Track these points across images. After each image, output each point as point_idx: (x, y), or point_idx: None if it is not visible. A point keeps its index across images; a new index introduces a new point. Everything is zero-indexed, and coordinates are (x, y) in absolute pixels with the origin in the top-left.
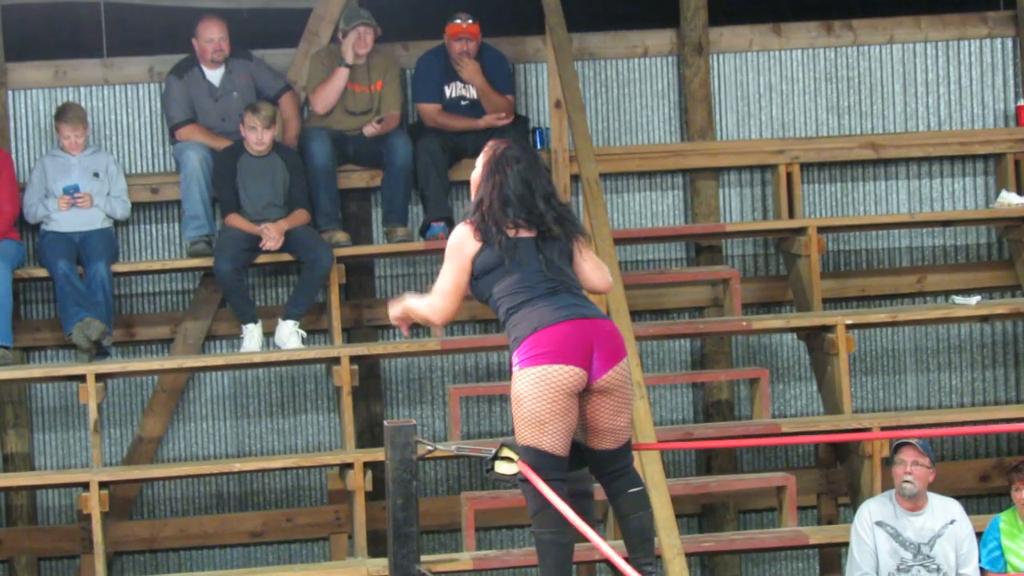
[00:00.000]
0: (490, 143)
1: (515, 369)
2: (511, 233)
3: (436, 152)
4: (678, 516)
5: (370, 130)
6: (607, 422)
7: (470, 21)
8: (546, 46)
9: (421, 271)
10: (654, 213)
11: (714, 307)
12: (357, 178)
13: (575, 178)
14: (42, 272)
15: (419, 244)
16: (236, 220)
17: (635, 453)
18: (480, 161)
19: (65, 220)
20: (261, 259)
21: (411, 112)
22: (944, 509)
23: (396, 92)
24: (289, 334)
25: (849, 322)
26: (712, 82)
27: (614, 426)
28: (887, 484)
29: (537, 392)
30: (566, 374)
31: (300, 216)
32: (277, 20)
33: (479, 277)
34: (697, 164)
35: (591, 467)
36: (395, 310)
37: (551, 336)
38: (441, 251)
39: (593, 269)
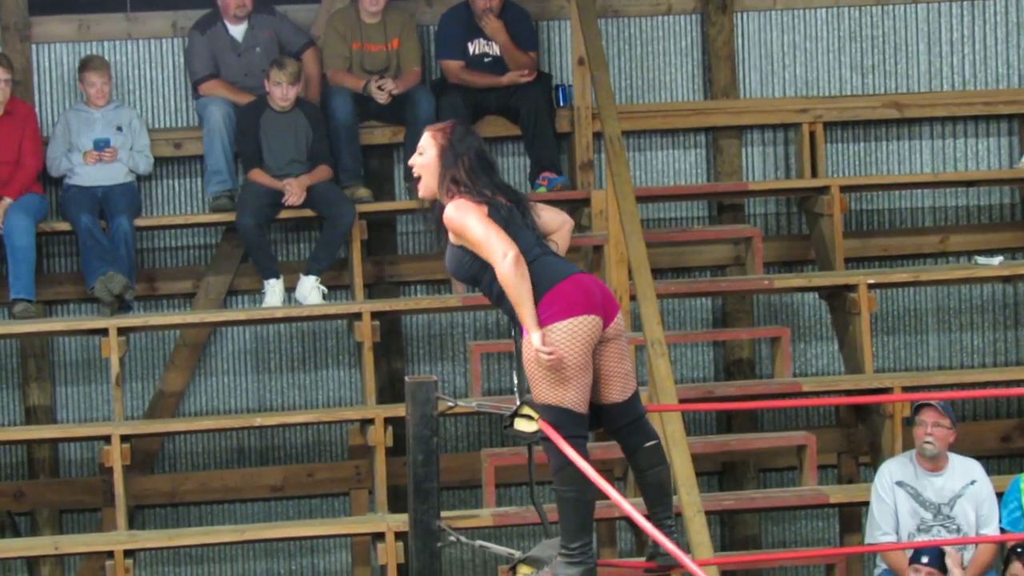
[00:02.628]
0: (433, 127)
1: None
2: (503, 202)
3: (459, 108)
4: (698, 474)
5: (383, 97)
6: (614, 366)
7: None
8: (570, 3)
9: None
10: (677, 171)
11: (736, 266)
12: (380, 134)
13: (598, 136)
14: (65, 226)
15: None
16: (258, 175)
17: (657, 413)
18: (430, 145)
19: (88, 174)
20: (283, 214)
21: (434, 69)
22: (965, 469)
23: (415, 48)
24: (310, 289)
25: (871, 281)
26: (736, 40)
27: (622, 370)
28: (908, 444)
29: (567, 346)
30: (591, 324)
31: (322, 172)
32: None
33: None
34: (720, 123)
35: (605, 425)
36: (541, 355)
37: (569, 287)
38: None
39: (552, 212)
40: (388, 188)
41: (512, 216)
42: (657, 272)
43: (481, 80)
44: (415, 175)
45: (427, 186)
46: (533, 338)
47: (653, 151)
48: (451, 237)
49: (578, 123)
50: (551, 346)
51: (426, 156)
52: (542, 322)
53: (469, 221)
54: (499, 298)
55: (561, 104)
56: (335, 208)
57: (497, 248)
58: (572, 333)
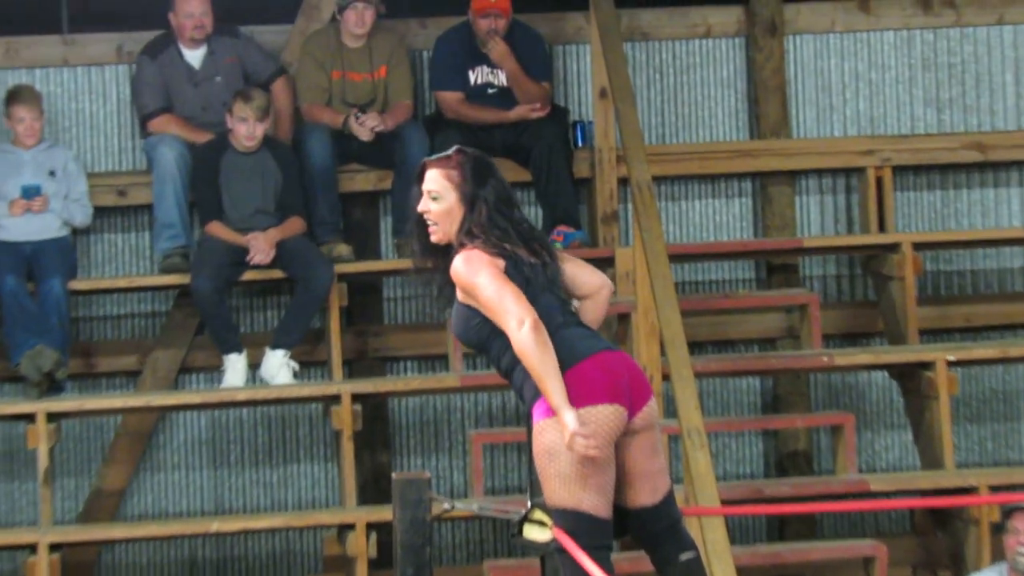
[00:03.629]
0: (438, 162)
1: (542, 417)
2: (524, 256)
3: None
4: None
5: (365, 134)
6: (644, 464)
7: None
8: (590, 24)
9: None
10: (718, 225)
11: (789, 339)
12: (363, 180)
13: (623, 182)
14: None
15: None
16: (218, 229)
17: (694, 517)
18: (445, 187)
19: (14, 227)
20: (247, 276)
21: (428, 102)
22: None
23: (405, 78)
24: (279, 367)
25: (952, 358)
26: (787, 68)
27: (651, 468)
28: (997, 555)
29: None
30: (613, 415)
31: (294, 225)
32: None
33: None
34: (769, 166)
35: (633, 532)
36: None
37: (590, 370)
38: None
39: (587, 270)
40: (372, 244)
41: (535, 275)
42: (695, 346)
43: (484, 115)
44: (430, 223)
45: (446, 233)
46: (565, 418)
47: (690, 200)
48: (459, 293)
49: (600, 167)
50: (548, 441)
51: (444, 201)
52: (551, 412)
53: (480, 279)
54: (508, 372)
55: (580, 144)
56: (309, 268)
57: (512, 314)
58: (589, 425)
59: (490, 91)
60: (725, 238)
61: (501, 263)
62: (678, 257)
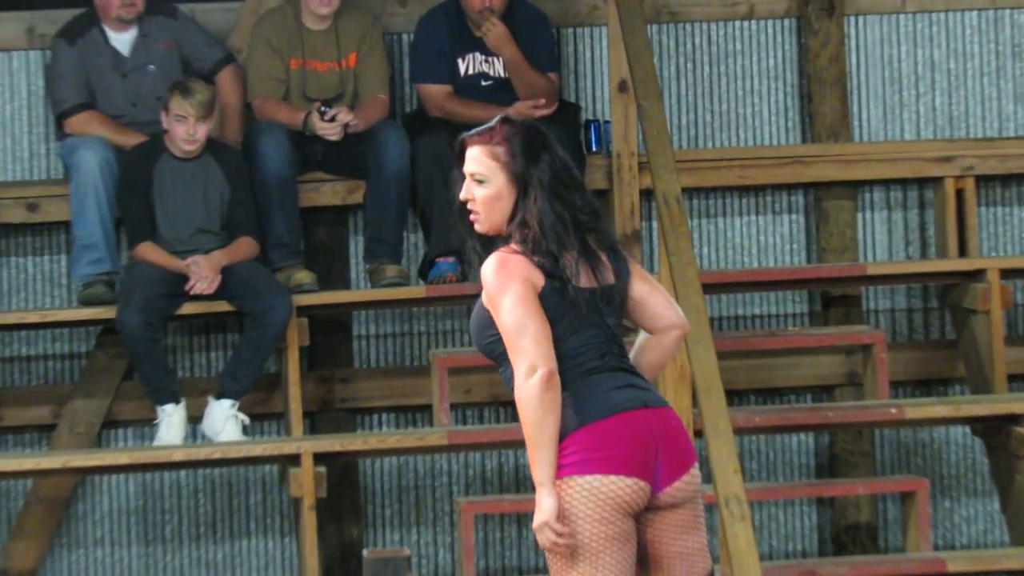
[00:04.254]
0: (478, 137)
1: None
2: (572, 273)
3: (445, 154)
4: None
5: (332, 133)
6: (675, 545)
7: None
8: (607, 3)
9: (420, 329)
10: (762, 247)
11: (849, 386)
12: (328, 192)
13: (647, 194)
14: None
15: (418, 289)
16: (150, 251)
17: None
18: (491, 167)
19: None
20: (186, 309)
21: (409, 97)
22: None
23: (379, 68)
24: (225, 420)
25: None
26: (848, 56)
27: (684, 550)
28: None
29: (588, 512)
30: (628, 489)
31: (244, 247)
32: None
33: None
34: (826, 176)
35: None
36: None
37: (611, 431)
38: (450, 299)
39: (662, 299)
40: (340, 271)
41: (582, 299)
42: (734, 395)
43: (477, 113)
44: (472, 213)
45: (495, 224)
46: (543, 502)
47: (728, 218)
48: (483, 293)
49: (618, 176)
50: (564, 515)
51: (491, 185)
52: (563, 470)
53: (506, 300)
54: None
55: (594, 148)
56: (262, 300)
57: (525, 356)
58: (588, 497)
59: (484, 83)
60: (771, 264)
61: (540, 281)
62: (714, 286)
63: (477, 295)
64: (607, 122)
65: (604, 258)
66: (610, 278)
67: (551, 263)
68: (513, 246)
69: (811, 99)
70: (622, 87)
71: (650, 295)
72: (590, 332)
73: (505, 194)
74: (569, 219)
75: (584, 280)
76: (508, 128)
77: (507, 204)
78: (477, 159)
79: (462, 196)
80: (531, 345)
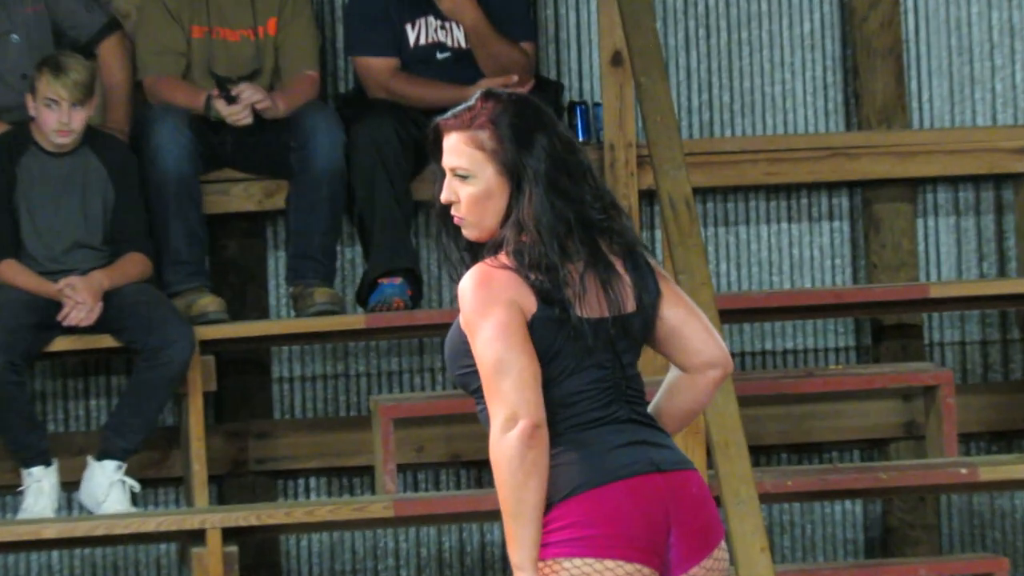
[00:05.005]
0: (472, 105)
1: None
2: (576, 294)
3: (390, 147)
4: None
5: (241, 117)
6: None
7: None
8: None
9: (359, 370)
10: (796, 262)
11: (907, 439)
12: (241, 195)
13: (648, 196)
14: None
15: (356, 319)
16: (14, 272)
17: None
18: (477, 159)
19: None
20: (58, 344)
21: (344, 73)
22: None
23: (305, 36)
24: (109, 486)
25: None
26: (904, 20)
27: None
28: None
29: None
30: None
31: (133, 266)
32: None
33: None
34: (876, 172)
35: None
36: None
37: (605, 503)
38: (396, 330)
39: (702, 329)
40: (256, 295)
41: (585, 332)
42: (761, 453)
43: (431, 93)
44: (458, 216)
45: (485, 229)
46: None
47: (753, 226)
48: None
49: (612, 173)
50: None
51: (478, 181)
52: (549, 550)
53: (484, 330)
54: None
55: (581, 138)
56: (156, 333)
57: (504, 403)
58: None
59: (441, 56)
60: (808, 284)
61: (532, 305)
62: (735, 313)
63: (433, 326)
64: (597, 105)
65: (622, 270)
66: (629, 301)
67: (550, 282)
68: (502, 258)
69: (857, 74)
70: (616, 60)
71: (686, 323)
72: (595, 373)
73: (496, 191)
74: (574, 218)
75: (593, 303)
76: (493, 105)
77: (500, 202)
78: (457, 149)
79: (443, 197)
80: (512, 389)
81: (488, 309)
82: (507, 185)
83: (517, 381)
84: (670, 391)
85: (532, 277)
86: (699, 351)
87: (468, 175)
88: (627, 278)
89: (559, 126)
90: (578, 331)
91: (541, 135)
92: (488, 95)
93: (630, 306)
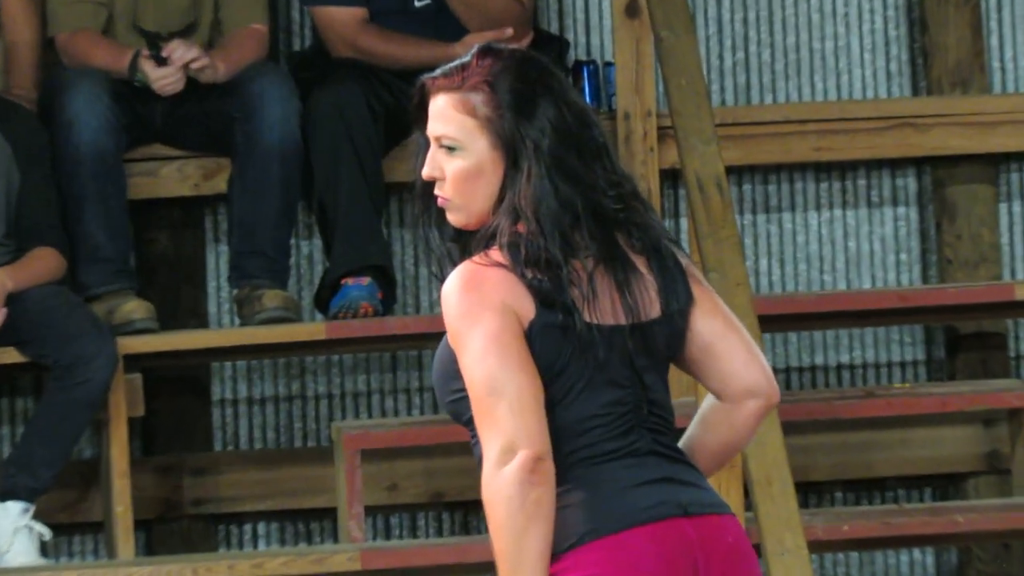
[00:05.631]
0: (467, 62)
1: None
2: (583, 296)
3: (357, 118)
4: None
5: (171, 80)
6: None
7: None
8: None
9: (319, 390)
10: (852, 257)
11: (990, 474)
12: (174, 177)
13: (671, 177)
14: None
15: (315, 327)
16: None
17: None
18: (467, 127)
19: None
20: None
21: (300, 28)
22: None
23: None
24: (14, 532)
25: None
26: None
27: None
28: None
29: None
30: None
31: (42, 263)
32: None
33: None
34: (949, 147)
35: None
36: None
37: (623, 553)
38: (363, 342)
39: (742, 348)
40: (192, 299)
41: (590, 344)
42: (811, 489)
43: (407, 51)
44: (442, 196)
45: (473, 213)
46: None
47: (799, 212)
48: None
49: (627, 149)
50: None
51: (466, 154)
52: None
53: (472, 342)
54: None
55: (588, 102)
56: (70, 347)
57: (499, 432)
58: None
59: (418, 5)
60: (866, 284)
61: (530, 310)
62: (778, 320)
63: (408, 337)
64: (608, 65)
65: (645, 270)
66: (653, 306)
67: (551, 280)
68: (493, 253)
69: (926, 27)
70: (631, 10)
71: (723, 339)
72: (611, 394)
73: (488, 167)
74: (582, 206)
75: (606, 308)
76: (491, 63)
77: (492, 182)
78: (445, 114)
79: (425, 172)
80: (509, 414)
81: (477, 317)
82: (502, 161)
83: (515, 404)
84: (704, 423)
85: (529, 276)
86: (737, 375)
87: (456, 146)
88: (651, 280)
89: (571, 93)
90: (586, 340)
91: (547, 102)
92: (486, 51)
93: (653, 312)
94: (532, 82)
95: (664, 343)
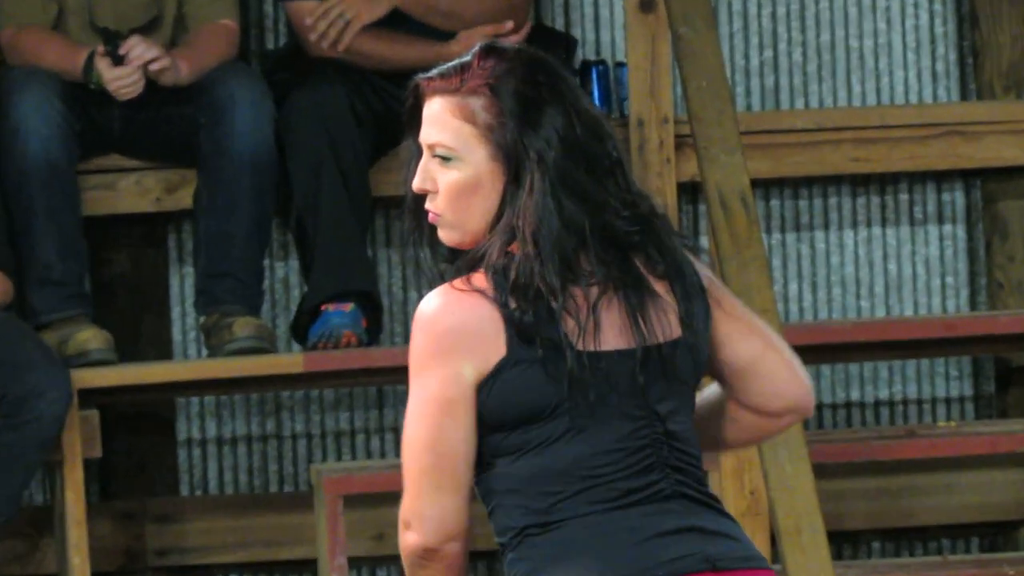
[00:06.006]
0: (468, 61)
1: None
2: (578, 334)
3: (341, 125)
4: None
5: (126, 84)
6: None
7: None
8: None
9: (296, 429)
10: (893, 282)
11: None
12: (133, 191)
13: (688, 190)
14: None
15: (292, 359)
16: None
17: None
18: (445, 117)
19: None
20: None
21: (274, 24)
22: None
23: None
24: None
25: None
26: None
27: None
28: None
29: None
30: None
31: None
32: None
33: (484, 430)
34: (1002, 157)
35: None
36: None
37: None
38: (346, 376)
39: (788, 365)
40: (155, 328)
41: (582, 377)
42: (848, 540)
43: (397, 50)
44: (431, 213)
45: (468, 231)
46: None
47: (834, 231)
48: None
49: (641, 159)
50: None
51: (464, 165)
52: None
53: (413, 393)
54: (504, 549)
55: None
56: (19, 381)
57: (405, 494)
58: None
59: None
60: (908, 311)
61: (499, 350)
62: (809, 351)
63: (395, 369)
64: (620, 65)
65: (664, 292)
66: (672, 329)
67: (538, 311)
68: (476, 277)
69: (977, 24)
70: (645, 5)
71: (763, 358)
72: (622, 428)
73: (486, 181)
74: (590, 226)
75: (611, 334)
76: (494, 64)
77: (490, 198)
78: (440, 120)
79: (415, 184)
80: (416, 488)
81: (424, 367)
82: (503, 175)
83: (426, 481)
84: (725, 418)
85: (512, 306)
86: (780, 395)
87: (451, 156)
88: (671, 304)
89: (582, 100)
90: (579, 372)
91: (555, 110)
92: (489, 50)
93: (672, 335)
94: (539, 86)
95: (686, 368)
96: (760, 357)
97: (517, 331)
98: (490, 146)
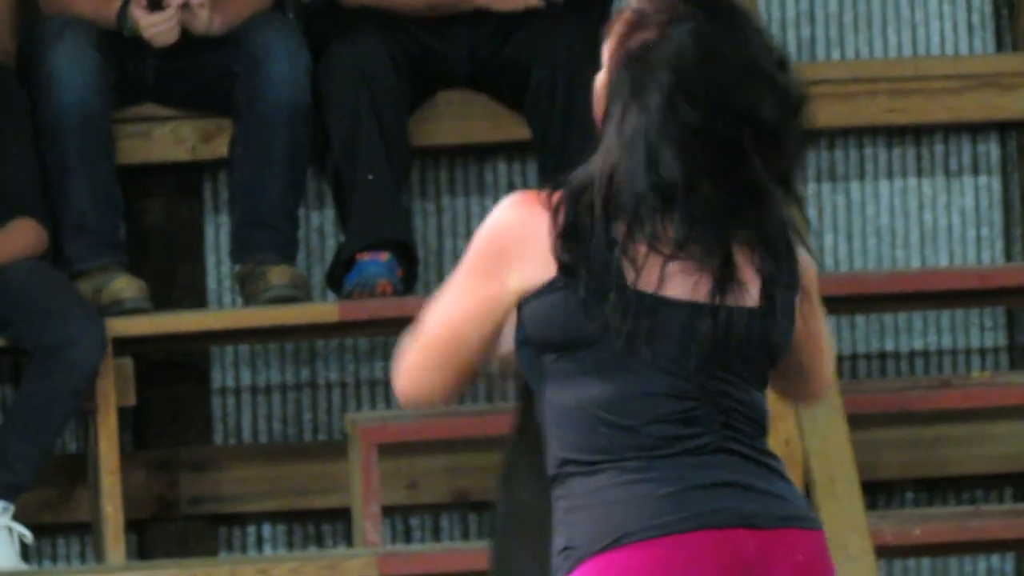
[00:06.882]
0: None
1: None
2: (634, 275)
3: (380, 73)
4: None
5: (163, 30)
6: None
7: None
8: None
9: (330, 378)
10: (928, 233)
11: None
12: (168, 140)
13: None
14: None
15: (327, 308)
16: None
17: None
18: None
19: None
20: None
21: None
22: None
23: None
24: None
25: None
26: None
27: None
28: None
29: None
30: None
31: (21, 236)
32: None
33: (533, 348)
34: None
35: None
36: None
37: (656, 566)
38: (380, 325)
39: (822, 358)
40: (189, 276)
41: (647, 322)
42: (881, 490)
43: (431, 1)
44: None
45: None
46: None
47: (868, 182)
48: None
49: None
50: None
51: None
52: None
53: (454, 284)
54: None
55: None
56: (53, 329)
57: (411, 356)
58: None
59: None
60: (943, 261)
61: (547, 271)
62: (845, 302)
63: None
64: None
65: (748, 261)
66: (748, 296)
67: (599, 243)
68: (557, 195)
69: None
70: None
71: (806, 344)
72: (668, 376)
73: (599, 96)
74: (682, 188)
75: (673, 281)
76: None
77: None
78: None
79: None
80: (424, 351)
81: (477, 260)
82: (605, 96)
83: (431, 350)
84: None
85: (568, 215)
86: (809, 385)
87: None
88: (753, 274)
89: (746, 31)
90: (623, 308)
91: (682, 50)
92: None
93: (748, 302)
94: (667, 37)
95: (754, 338)
96: (804, 342)
97: (565, 264)
98: (611, 67)
